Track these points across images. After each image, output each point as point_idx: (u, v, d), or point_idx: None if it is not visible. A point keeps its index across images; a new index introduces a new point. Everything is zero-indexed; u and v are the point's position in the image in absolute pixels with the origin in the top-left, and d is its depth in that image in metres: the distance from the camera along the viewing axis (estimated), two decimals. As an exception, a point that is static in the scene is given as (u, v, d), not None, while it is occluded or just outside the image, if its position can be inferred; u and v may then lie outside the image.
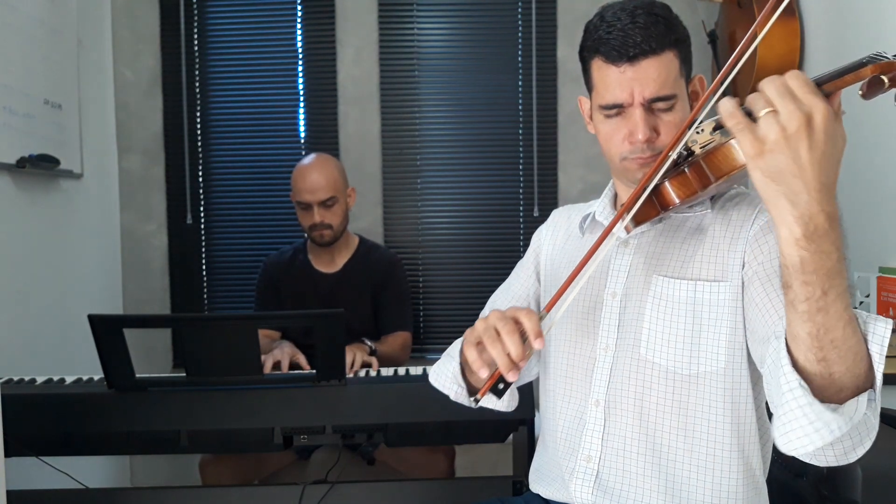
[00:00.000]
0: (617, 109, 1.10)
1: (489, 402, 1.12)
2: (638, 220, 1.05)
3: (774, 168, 0.77)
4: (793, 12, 2.39)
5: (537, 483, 1.27)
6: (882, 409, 1.34)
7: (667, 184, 1.02)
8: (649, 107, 1.08)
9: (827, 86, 0.83)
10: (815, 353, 0.81)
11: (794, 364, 0.84)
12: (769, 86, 0.79)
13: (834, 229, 0.79)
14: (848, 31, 2.14)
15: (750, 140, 0.78)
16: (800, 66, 2.39)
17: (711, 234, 1.11)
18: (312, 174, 2.24)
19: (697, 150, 1.01)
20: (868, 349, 0.83)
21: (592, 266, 1.02)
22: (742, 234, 1.08)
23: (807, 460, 0.89)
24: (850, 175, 2.14)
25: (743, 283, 1.06)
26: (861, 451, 0.87)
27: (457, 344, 1.26)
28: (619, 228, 1.13)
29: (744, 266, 1.06)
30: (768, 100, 0.78)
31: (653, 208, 1.04)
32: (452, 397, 1.21)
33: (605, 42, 1.08)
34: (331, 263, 2.33)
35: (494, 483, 1.82)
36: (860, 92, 0.82)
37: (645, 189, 1.01)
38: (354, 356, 1.90)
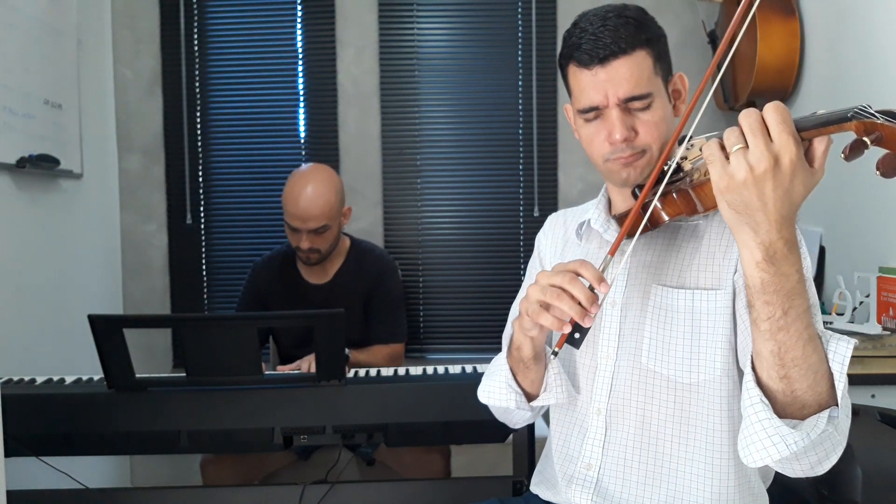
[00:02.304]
0: (594, 112, 1.11)
1: (551, 396, 1.14)
2: (631, 234, 1.05)
3: (739, 201, 0.83)
4: (793, 12, 2.39)
5: (538, 486, 1.28)
6: (882, 409, 1.35)
7: (657, 204, 1.02)
8: (625, 107, 1.09)
9: (806, 133, 0.86)
10: (777, 370, 0.86)
11: (758, 381, 0.89)
12: (745, 120, 0.83)
13: (793, 253, 0.85)
14: (848, 31, 2.14)
15: (719, 174, 0.84)
16: (800, 66, 2.39)
17: (707, 241, 1.11)
18: (305, 201, 2.08)
19: (687, 167, 1.01)
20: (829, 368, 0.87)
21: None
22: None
23: (777, 469, 0.93)
24: (850, 175, 2.15)
25: (735, 289, 1.07)
26: (828, 465, 0.91)
27: (497, 359, 1.24)
28: (615, 236, 1.15)
29: (736, 271, 1.07)
30: (740, 136, 0.82)
31: (644, 226, 1.05)
32: (513, 407, 1.17)
33: (577, 47, 1.10)
34: (321, 274, 2.26)
35: (494, 483, 1.82)
36: (842, 154, 0.85)
37: (643, 210, 1.02)
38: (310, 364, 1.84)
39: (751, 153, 0.81)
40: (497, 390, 1.17)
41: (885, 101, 2.02)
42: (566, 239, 1.30)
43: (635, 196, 1.04)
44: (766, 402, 0.88)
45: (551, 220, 1.38)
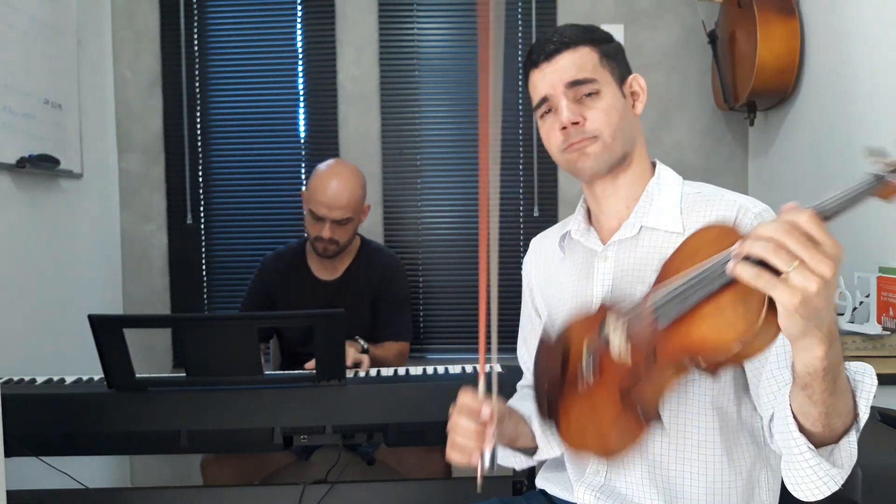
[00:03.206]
0: (546, 105, 1.18)
1: (512, 462, 1.30)
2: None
3: (812, 310, 0.78)
4: (793, 12, 2.39)
5: (544, 480, 1.31)
6: (881, 409, 1.35)
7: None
8: (573, 95, 1.16)
9: (833, 218, 0.86)
10: (823, 422, 0.89)
11: (801, 428, 0.91)
12: (788, 238, 0.78)
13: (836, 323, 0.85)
14: (848, 31, 2.14)
15: (788, 294, 0.77)
16: (800, 66, 2.39)
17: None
18: (334, 190, 2.13)
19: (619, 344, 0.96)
20: (856, 402, 0.91)
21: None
22: None
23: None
24: (850, 175, 2.14)
25: None
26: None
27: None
28: (596, 243, 1.22)
29: None
30: (788, 253, 0.77)
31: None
32: (524, 466, 1.31)
33: (530, 55, 1.21)
34: (331, 270, 2.28)
35: (494, 483, 1.82)
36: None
37: (488, 325, 1.05)
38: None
39: (815, 265, 0.77)
40: (503, 458, 1.29)
41: (885, 101, 2.03)
42: (550, 257, 1.33)
43: None
44: (813, 448, 0.91)
45: (534, 243, 1.41)
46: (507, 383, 1.41)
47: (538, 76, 1.19)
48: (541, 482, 1.32)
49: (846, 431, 0.91)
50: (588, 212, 1.28)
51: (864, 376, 0.92)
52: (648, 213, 1.18)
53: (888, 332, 1.74)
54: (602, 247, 1.21)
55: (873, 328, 1.76)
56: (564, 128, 1.16)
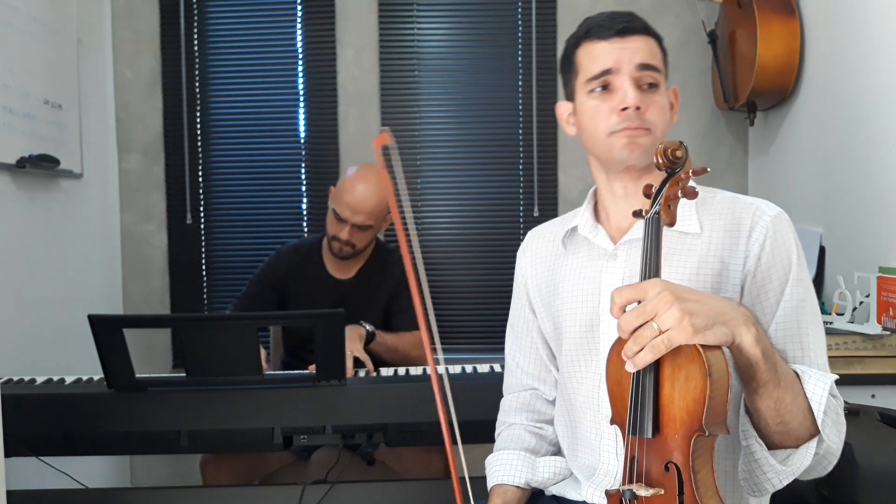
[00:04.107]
0: (602, 80, 1.12)
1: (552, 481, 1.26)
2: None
3: (708, 317, 0.87)
4: (793, 12, 2.39)
5: None
6: (881, 409, 1.35)
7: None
8: (639, 81, 1.11)
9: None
10: (774, 418, 0.94)
11: (756, 428, 0.97)
12: (630, 318, 0.88)
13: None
14: (848, 31, 2.14)
15: (681, 329, 0.86)
16: (799, 66, 2.39)
17: (708, 240, 1.10)
18: (362, 194, 2.11)
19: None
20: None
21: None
22: (742, 236, 1.09)
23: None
24: (850, 175, 2.15)
25: (742, 293, 1.08)
26: (829, 468, 1.03)
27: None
28: (606, 242, 1.18)
29: (746, 276, 1.07)
30: (641, 315, 0.87)
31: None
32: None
33: (594, 25, 1.14)
34: (346, 269, 2.27)
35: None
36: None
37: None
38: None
39: (660, 306, 0.86)
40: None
41: (886, 101, 2.03)
42: (549, 253, 1.28)
43: (637, 215, 1.00)
44: (761, 442, 0.97)
45: (530, 238, 1.35)
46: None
47: (604, 48, 1.12)
48: (552, 487, 1.29)
49: (810, 438, 0.96)
50: (595, 209, 1.24)
51: (816, 380, 0.97)
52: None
53: (888, 332, 1.74)
54: (613, 246, 1.17)
55: (873, 328, 1.76)
56: (624, 109, 1.10)
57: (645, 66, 1.11)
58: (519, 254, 1.36)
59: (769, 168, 2.75)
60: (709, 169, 0.99)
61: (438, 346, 1.01)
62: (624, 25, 1.11)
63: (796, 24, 2.38)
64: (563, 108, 1.22)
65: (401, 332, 2.19)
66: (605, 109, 1.12)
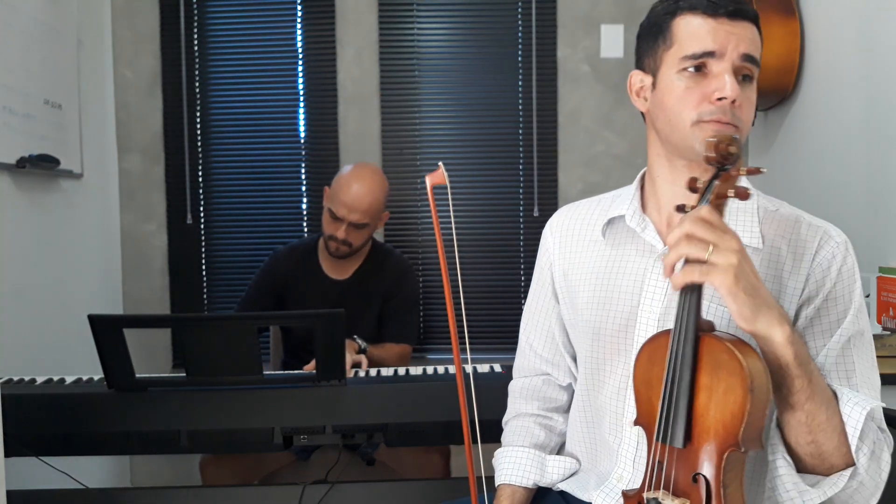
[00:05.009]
0: (702, 61, 1.01)
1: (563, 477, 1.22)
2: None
3: (748, 283, 0.86)
4: (793, 12, 2.39)
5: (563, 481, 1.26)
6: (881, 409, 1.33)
7: None
8: (739, 72, 1.02)
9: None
10: (805, 436, 0.91)
11: (786, 443, 0.94)
12: (695, 230, 0.87)
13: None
14: (848, 31, 2.14)
15: (721, 274, 0.85)
16: (799, 66, 2.39)
17: (768, 257, 1.05)
18: (357, 193, 2.13)
19: None
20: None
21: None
22: (806, 259, 1.04)
23: None
24: (850, 175, 2.15)
25: (797, 317, 1.03)
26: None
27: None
28: (655, 238, 1.12)
29: (805, 301, 1.03)
30: (700, 242, 0.87)
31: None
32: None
33: None
34: (342, 270, 2.28)
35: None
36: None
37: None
38: None
39: (724, 242, 0.86)
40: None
41: (885, 101, 2.03)
42: (586, 237, 1.20)
43: (680, 210, 0.93)
44: (789, 459, 0.94)
45: (560, 219, 1.26)
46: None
47: (711, 26, 1.01)
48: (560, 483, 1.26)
49: (846, 469, 0.93)
50: (643, 198, 1.15)
51: (853, 405, 0.93)
52: (725, 218, 1.03)
53: (888, 332, 1.74)
54: (662, 246, 1.09)
55: (873, 328, 1.76)
56: (720, 99, 1.00)
57: (748, 58, 1.02)
58: (545, 232, 1.27)
59: (769, 168, 2.75)
60: (764, 170, 0.94)
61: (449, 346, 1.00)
62: (736, 7, 1.01)
63: (796, 24, 2.38)
64: (636, 78, 1.12)
65: (387, 345, 2.20)
66: (696, 94, 1.02)
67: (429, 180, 0.99)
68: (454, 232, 1.04)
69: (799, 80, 2.42)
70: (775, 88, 2.44)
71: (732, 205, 1.03)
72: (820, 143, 2.30)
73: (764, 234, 1.06)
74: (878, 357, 1.69)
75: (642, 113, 1.14)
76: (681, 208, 0.93)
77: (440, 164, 1.04)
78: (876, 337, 1.71)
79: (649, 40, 1.09)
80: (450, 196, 1.01)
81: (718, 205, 0.91)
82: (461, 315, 1.02)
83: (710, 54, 1.01)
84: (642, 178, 1.18)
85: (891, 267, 1.87)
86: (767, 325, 0.87)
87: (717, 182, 0.91)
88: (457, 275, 1.01)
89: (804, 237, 1.05)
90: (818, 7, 2.32)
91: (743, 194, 0.90)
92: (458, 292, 1.01)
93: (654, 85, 1.08)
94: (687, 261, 0.87)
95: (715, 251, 0.85)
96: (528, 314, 1.31)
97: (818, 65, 2.32)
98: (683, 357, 0.88)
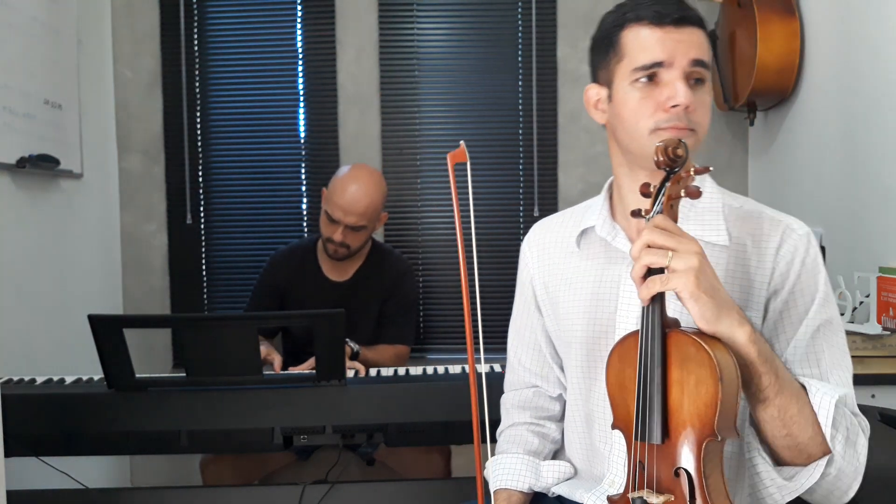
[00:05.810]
0: (652, 71, 1.03)
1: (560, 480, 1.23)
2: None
3: (709, 286, 0.89)
4: (793, 12, 2.39)
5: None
6: (882, 409, 1.35)
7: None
8: (689, 77, 1.04)
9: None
10: (780, 429, 0.94)
11: (762, 439, 0.97)
12: (654, 238, 0.90)
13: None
14: (848, 31, 2.14)
15: (683, 277, 0.88)
16: (799, 66, 2.39)
17: (735, 250, 1.07)
18: (353, 195, 2.11)
19: None
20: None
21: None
22: (769, 252, 1.06)
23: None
24: (850, 175, 2.15)
25: (766, 311, 1.05)
26: (851, 494, 1.01)
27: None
28: (625, 244, 1.14)
29: (772, 294, 1.05)
30: (658, 250, 0.89)
31: None
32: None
33: (643, 8, 1.05)
34: (342, 271, 2.28)
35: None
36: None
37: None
38: None
39: (683, 246, 0.88)
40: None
41: (886, 101, 2.03)
42: (558, 249, 1.23)
43: (636, 215, 0.96)
44: (766, 456, 0.97)
45: (536, 232, 1.30)
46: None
47: (658, 37, 1.03)
48: (555, 487, 1.26)
49: (823, 457, 0.95)
50: (612, 208, 1.18)
51: (822, 395, 0.95)
52: (688, 219, 1.07)
53: (888, 332, 1.74)
54: None
55: (873, 328, 1.76)
56: (674, 106, 1.02)
57: (697, 62, 1.04)
58: (524, 248, 1.31)
59: (769, 168, 2.75)
60: (711, 168, 0.98)
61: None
62: (681, 14, 1.03)
63: (796, 24, 2.38)
64: (592, 91, 1.14)
65: (381, 346, 2.19)
66: (650, 104, 1.04)
67: (450, 158, 1.00)
68: (472, 211, 1.02)
69: (799, 80, 2.42)
70: (775, 88, 2.44)
71: (699, 205, 1.09)
72: (820, 142, 2.30)
73: (730, 231, 1.08)
74: (877, 357, 1.71)
75: (603, 125, 1.17)
76: (636, 213, 0.96)
77: (462, 142, 1.05)
78: (876, 337, 1.72)
79: (601, 53, 1.11)
80: (469, 174, 1.01)
81: (672, 206, 0.94)
82: (475, 306, 1.07)
83: (660, 64, 1.03)
84: (610, 188, 1.21)
85: (891, 267, 1.87)
86: (729, 326, 0.89)
87: (668, 185, 0.94)
88: (472, 258, 1.07)
89: (767, 232, 1.07)
90: (818, 7, 2.33)
91: (694, 193, 0.94)
92: (474, 277, 1.02)
93: (609, 97, 1.11)
94: (649, 272, 0.90)
95: (675, 256, 0.88)
96: (514, 330, 1.34)
97: (818, 65, 2.32)
98: (653, 355, 0.91)
